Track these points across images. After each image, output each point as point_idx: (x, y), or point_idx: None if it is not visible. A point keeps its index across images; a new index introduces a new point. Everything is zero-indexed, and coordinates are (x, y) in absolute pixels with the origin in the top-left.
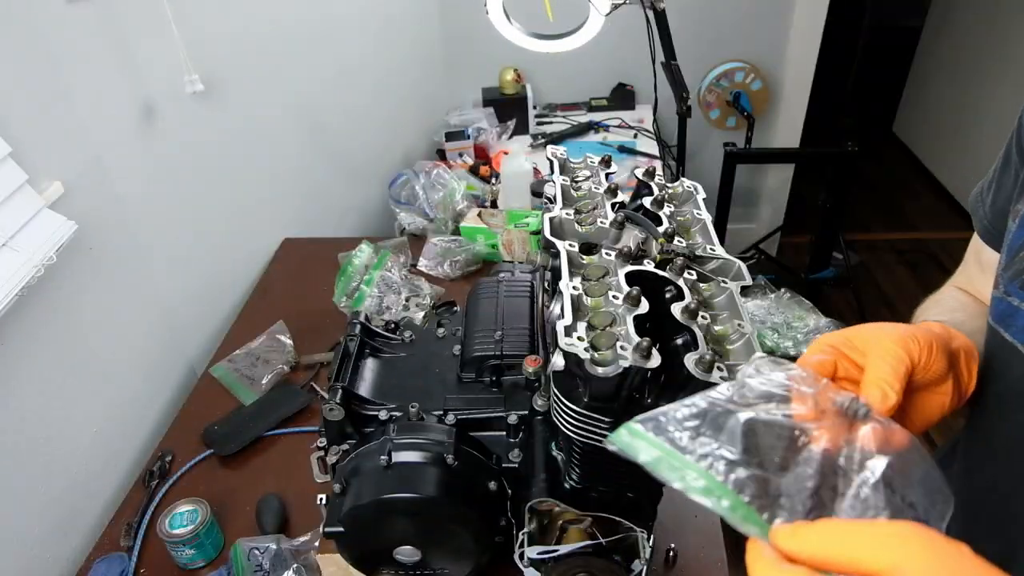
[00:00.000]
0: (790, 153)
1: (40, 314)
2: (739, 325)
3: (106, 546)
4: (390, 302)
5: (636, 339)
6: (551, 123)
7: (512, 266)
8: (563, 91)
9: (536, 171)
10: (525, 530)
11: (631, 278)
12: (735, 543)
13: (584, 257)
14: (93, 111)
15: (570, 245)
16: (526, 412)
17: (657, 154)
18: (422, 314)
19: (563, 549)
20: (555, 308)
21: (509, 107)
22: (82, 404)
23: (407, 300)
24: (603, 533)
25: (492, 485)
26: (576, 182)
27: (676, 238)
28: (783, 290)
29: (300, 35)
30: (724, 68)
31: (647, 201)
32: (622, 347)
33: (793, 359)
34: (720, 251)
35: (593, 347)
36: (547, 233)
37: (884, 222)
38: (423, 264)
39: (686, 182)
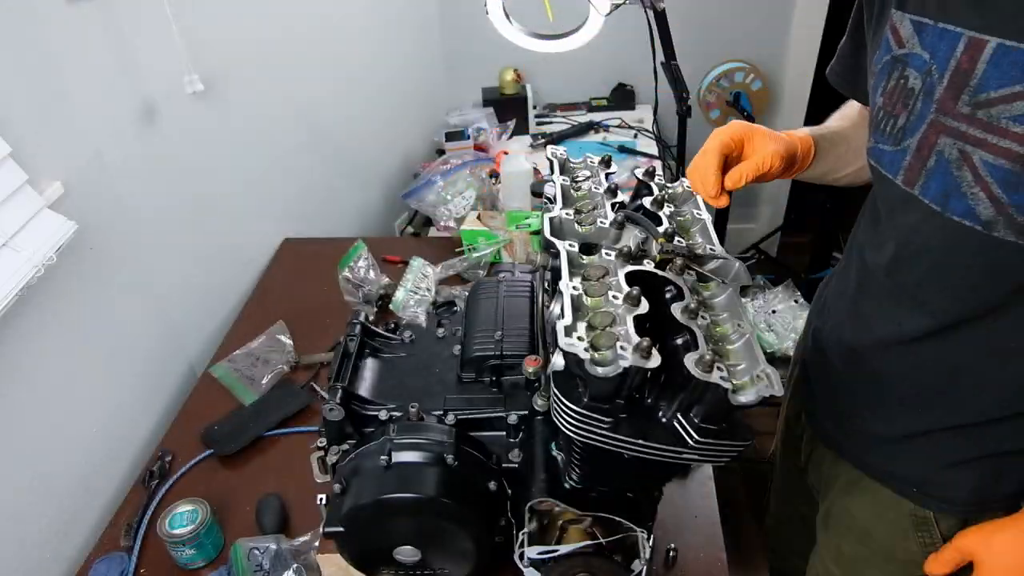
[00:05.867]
0: None
1: (40, 314)
2: (739, 325)
3: (106, 546)
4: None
5: (636, 339)
6: (551, 123)
7: (512, 266)
8: (563, 91)
9: (536, 171)
10: (525, 530)
11: (631, 278)
12: (735, 543)
13: (584, 257)
14: (93, 111)
15: (570, 245)
16: (526, 412)
17: (657, 154)
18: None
19: (563, 549)
20: (555, 308)
21: (509, 107)
22: (82, 404)
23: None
24: (603, 533)
25: (492, 485)
26: (576, 182)
27: (676, 238)
28: (779, 288)
29: (300, 35)
30: (724, 68)
31: (647, 201)
32: (622, 347)
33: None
34: (720, 251)
35: (593, 347)
36: (547, 233)
37: None
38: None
39: (686, 182)
